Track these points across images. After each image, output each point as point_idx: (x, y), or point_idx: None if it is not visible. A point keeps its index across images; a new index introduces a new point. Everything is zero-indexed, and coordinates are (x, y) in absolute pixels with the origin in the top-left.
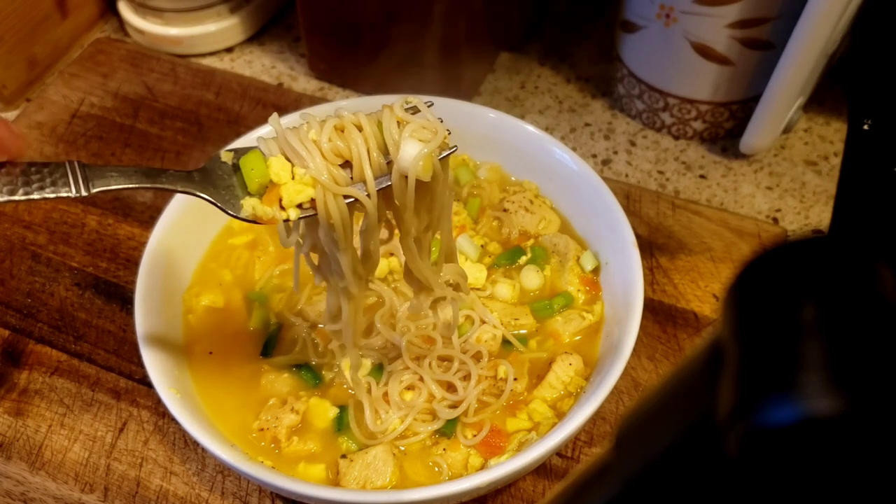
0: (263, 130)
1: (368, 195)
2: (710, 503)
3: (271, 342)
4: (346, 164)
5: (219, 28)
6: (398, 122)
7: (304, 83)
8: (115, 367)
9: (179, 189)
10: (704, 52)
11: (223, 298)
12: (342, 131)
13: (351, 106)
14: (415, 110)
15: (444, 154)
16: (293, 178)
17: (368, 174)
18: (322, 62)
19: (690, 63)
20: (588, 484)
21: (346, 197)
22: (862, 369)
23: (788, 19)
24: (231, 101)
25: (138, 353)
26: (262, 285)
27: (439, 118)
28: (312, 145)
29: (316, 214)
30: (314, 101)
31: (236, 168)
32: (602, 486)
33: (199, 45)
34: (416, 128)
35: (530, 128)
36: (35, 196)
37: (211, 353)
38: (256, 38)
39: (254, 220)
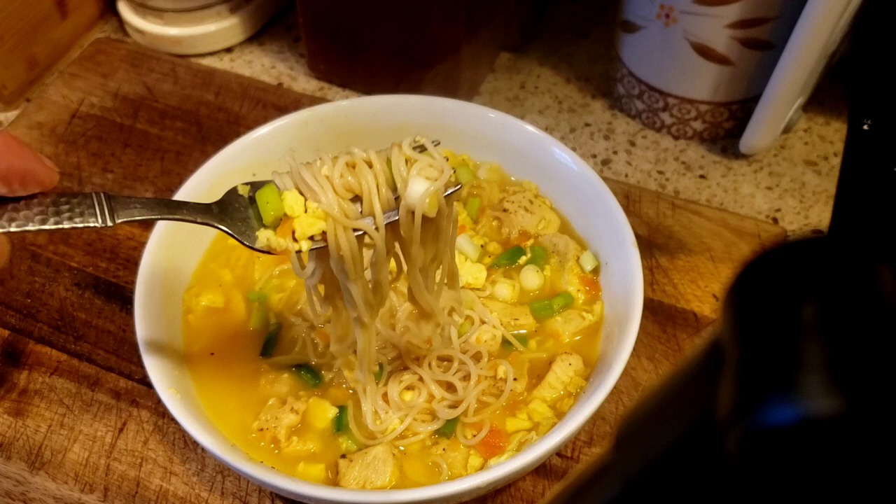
0: (263, 131)
1: (377, 228)
2: (709, 503)
3: (271, 342)
4: (357, 199)
5: (219, 28)
6: (406, 160)
7: (304, 83)
8: (114, 367)
9: (199, 221)
10: (704, 52)
11: (223, 298)
12: (353, 167)
13: (351, 106)
14: (422, 149)
15: (450, 192)
16: (306, 211)
17: (377, 209)
18: (322, 62)
19: (690, 63)
20: (588, 484)
21: (355, 230)
22: (862, 370)
23: (788, 19)
24: (231, 101)
25: (138, 354)
26: (261, 285)
27: (445, 157)
28: (325, 180)
29: (327, 246)
30: (314, 101)
31: (252, 200)
32: (602, 486)
33: (198, 46)
34: (423, 166)
35: (530, 128)
36: (65, 225)
37: (213, 353)
38: (256, 38)
39: (268, 251)
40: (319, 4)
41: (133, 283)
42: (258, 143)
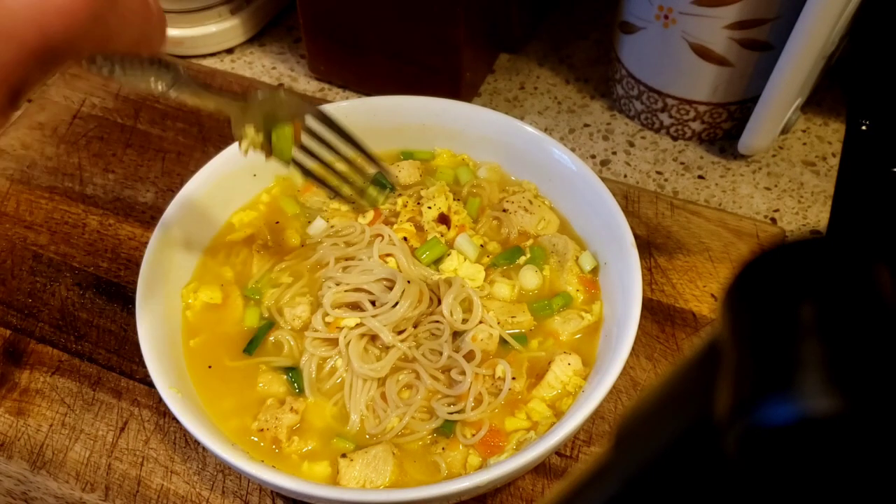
0: None
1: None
2: (709, 503)
3: (255, 341)
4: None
5: (220, 29)
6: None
7: (305, 84)
8: (116, 366)
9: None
10: (703, 53)
11: (221, 294)
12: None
13: (351, 107)
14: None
15: None
16: None
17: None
18: (322, 63)
19: (689, 64)
20: (587, 484)
21: None
22: (860, 369)
23: (787, 20)
24: None
25: (139, 353)
26: (257, 279)
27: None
28: None
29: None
30: (314, 102)
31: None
32: (601, 485)
33: (199, 46)
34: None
35: (529, 128)
36: (122, 78)
37: (210, 352)
38: (257, 39)
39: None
40: (320, 5)
41: (134, 283)
42: None
